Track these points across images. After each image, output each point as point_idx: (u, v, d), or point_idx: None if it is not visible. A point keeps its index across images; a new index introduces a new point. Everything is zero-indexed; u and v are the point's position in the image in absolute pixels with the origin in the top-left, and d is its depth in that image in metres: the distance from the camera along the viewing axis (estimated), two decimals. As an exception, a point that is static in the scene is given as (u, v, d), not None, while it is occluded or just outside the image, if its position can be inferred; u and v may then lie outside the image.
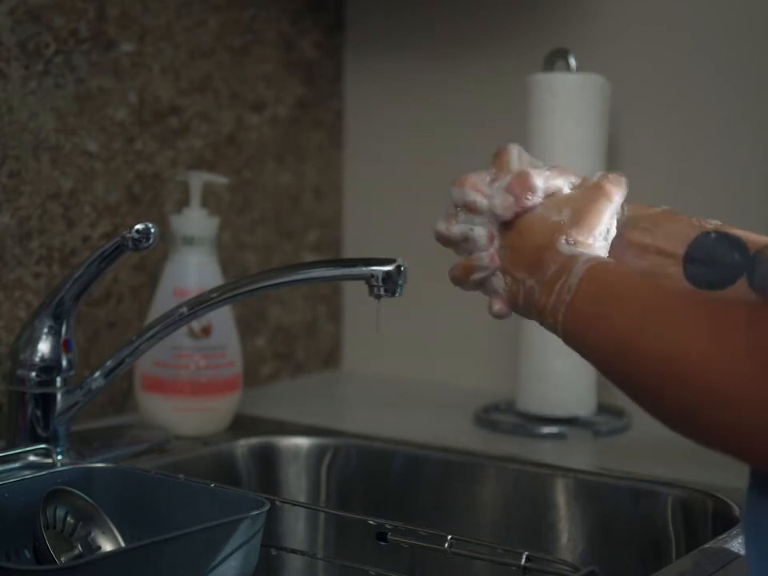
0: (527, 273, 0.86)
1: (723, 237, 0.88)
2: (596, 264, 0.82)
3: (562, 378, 1.33)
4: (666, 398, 0.72)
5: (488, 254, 0.89)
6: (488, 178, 0.90)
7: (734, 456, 0.71)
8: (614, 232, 0.89)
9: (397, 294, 1.01)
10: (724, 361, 0.67)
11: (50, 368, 1.09)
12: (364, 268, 1.00)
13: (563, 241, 0.85)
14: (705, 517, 1.07)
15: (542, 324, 0.86)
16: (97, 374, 1.10)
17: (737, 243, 0.86)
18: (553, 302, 0.83)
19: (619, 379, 0.77)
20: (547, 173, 0.89)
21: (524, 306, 0.88)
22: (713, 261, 0.88)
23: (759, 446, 0.67)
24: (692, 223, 0.91)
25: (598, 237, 0.87)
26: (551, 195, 0.89)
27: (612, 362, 0.77)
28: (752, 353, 0.66)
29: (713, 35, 1.37)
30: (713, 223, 0.91)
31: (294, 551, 1.10)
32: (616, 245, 0.91)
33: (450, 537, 0.91)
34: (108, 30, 1.30)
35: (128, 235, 1.04)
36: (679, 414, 0.72)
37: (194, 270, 1.25)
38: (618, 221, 0.90)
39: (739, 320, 0.68)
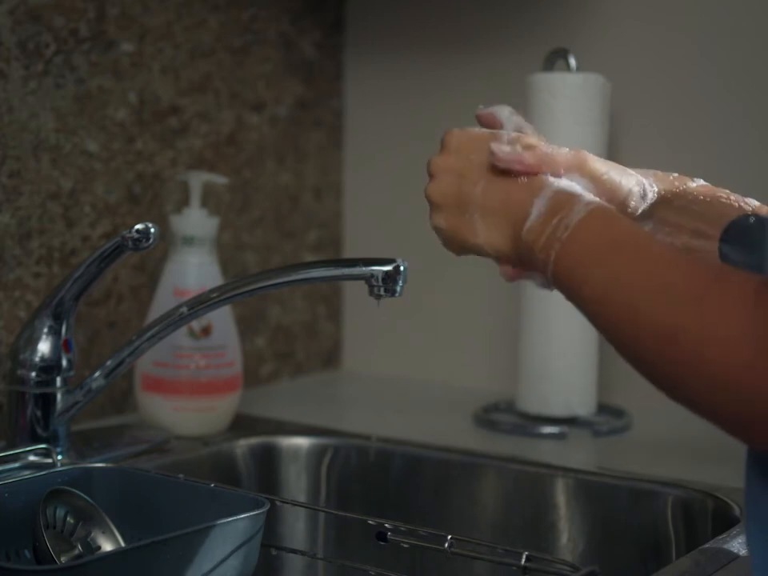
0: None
1: (763, 221, 0.86)
2: (597, 208, 0.79)
3: (561, 378, 1.33)
4: (660, 371, 0.70)
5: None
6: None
7: (733, 434, 0.70)
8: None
9: (397, 294, 1.01)
10: (725, 338, 0.66)
11: (50, 368, 1.09)
12: (364, 268, 1.00)
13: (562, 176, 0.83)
14: (705, 517, 1.07)
15: (534, 262, 0.81)
16: (97, 373, 1.10)
17: None
18: (547, 235, 0.79)
19: (611, 336, 0.75)
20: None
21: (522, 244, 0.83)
22: (750, 244, 0.86)
23: (759, 426, 0.66)
24: (731, 202, 0.88)
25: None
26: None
27: (606, 320, 0.75)
28: (755, 330, 0.65)
29: (713, 35, 1.37)
30: (752, 204, 0.89)
31: (294, 551, 1.10)
32: (647, 223, 0.89)
33: (450, 537, 0.91)
34: (108, 29, 1.30)
35: (128, 235, 1.04)
36: (675, 390, 0.70)
37: (193, 270, 1.25)
38: (649, 199, 0.88)
39: (747, 296, 0.67)
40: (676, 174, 0.92)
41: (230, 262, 1.44)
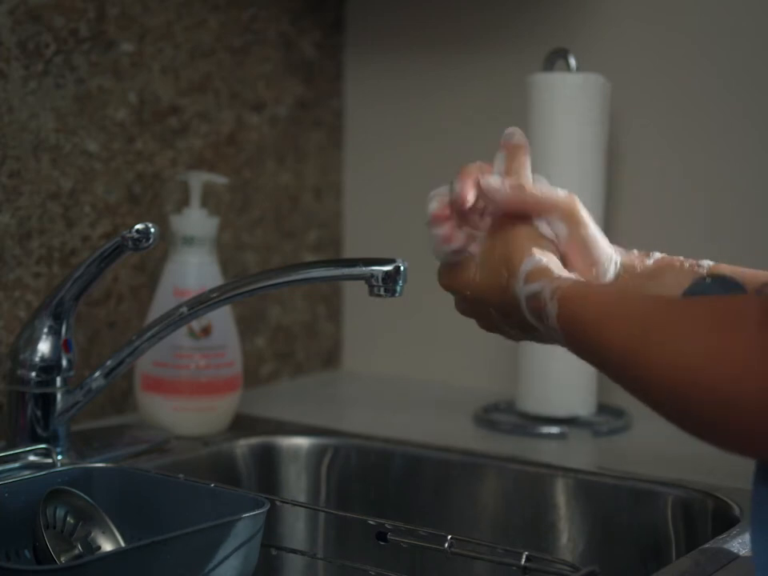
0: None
1: (719, 280, 0.87)
2: (567, 289, 0.81)
3: (561, 378, 1.33)
4: (678, 407, 0.71)
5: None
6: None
7: (755, 458, 0.70)
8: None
9: (397, 294, 1.01)
10: (733, 362, 0.66)
11: (50, 368, 1.09)
12: (364, 268, 1.00)
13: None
14: (705, 517, 1.07)
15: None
16: (97, 373, 1.10)
17: (733, 286, 0.85)
18: (543, 327, 0.83)
19: (632, 389, 0.76)
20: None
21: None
22: None
23: None
24: (686, 269, 0.90)
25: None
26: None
27: (622, 376, 0.76)
28: (765, 351, 0.65)
29: (713, 35, 1.37)
30: (705, 264, 0.90)
31: (294, 551, 1.10)
32: None
33: (450, 537, 0.91)
34: (108, 29, 1.30)
35: (128, 235, 1.04)
36: (695, 421, 0.71)
37: (193, 270, 1.25)
38: (614, 271, 0.89)
39: (749, 319, 0.67)
40: (636, 252, 0.92)
41: (230, 262, 1.44)
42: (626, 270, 0.91)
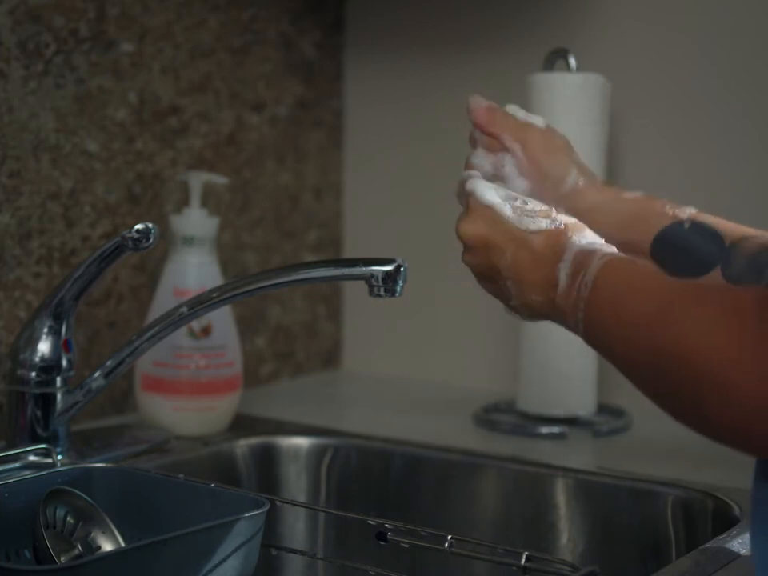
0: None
1: (697, 226, 0.87)
2: (612, 259, 0.81)
3: (561, 378, 1.33)
4: (684, 400, 0.71)
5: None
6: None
7: (755, 454, 0.70)
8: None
9: (397, 294, 1.01)
10: (737, 358, 0.67)
11: (50, 368, 1.09)
12: (364, 268, 1.00)
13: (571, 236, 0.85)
14: (705, 517, 1.07)
15: (564, 324, 0.85)
16: (97, 373, 1.10)
17: (712, 234, 0.85)
18: (574, 298, 0.82)
19: (639, 379, 0.76)
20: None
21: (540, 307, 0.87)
22: (685, 250, 0.87)
23: None
24: (664, 212, 0.91)
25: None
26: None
27: (632, 361, 0.76)
28: (762, 348, 0.65)
29: (712, 35, 1.37)
30: (688, 211, 0.90)
31: (294, 551, 1.10)
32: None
33: (450, 537, 0.91)
34: (108, 29, 1.30)
35: (128, 235, 1.04)
36: (697, 416, 0.71)
37: (193, 270, 1.25)
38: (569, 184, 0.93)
39: (748, 316, 0.67)
40: (613, 188, 0.96)
41: (230, 262, 1.44)
42: (601, 212, 0.92)
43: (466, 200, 0.91)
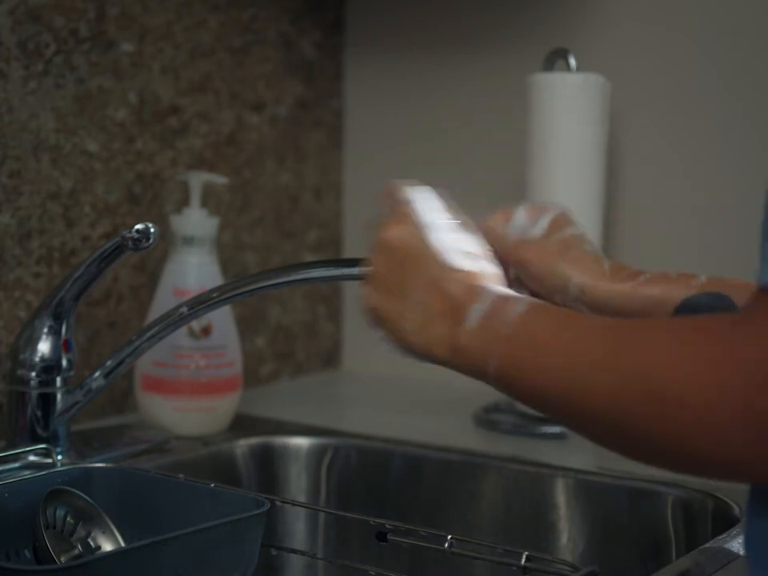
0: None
1: (718, 297, 0.87)
2: (540, 305, 0.79)
3: (562, 378, 1.33)
4: (648, 417, 0.68)
5: None
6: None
7: (727, 478, 0.70)
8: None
9: (397, 294, 1.00)
10: (699, 375, 0.65)
11: (50, 368, 1.09)
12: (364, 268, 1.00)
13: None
14: (705, 517, 1.07)
15: (460, 364, 0.82)
16: (97, 373, 1.10)
17: (725, 301, 0.85)
18: (488, 338, 0.78)
19: (574, 419, 0.74)
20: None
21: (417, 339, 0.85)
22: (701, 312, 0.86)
23: (759, 469, 0.65)
24: (680, 283, 0.92)
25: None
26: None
27: (566, 403, 0.73)
28: (730, 365, 0.64)
29: (713, 35, 1.37)
30: (701, 279, 0.91)
31: (294, 551, 1.10)
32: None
33: (450, 537, 0.91)
34: (108, 29, 1.30)
35: (128, 235, 1.04)
36: (660, 448, 0.69)
37: (193, 270, 1.25)
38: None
39: (713, 333, 0.66)
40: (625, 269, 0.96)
41: (230, 262, 1.44)
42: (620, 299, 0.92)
43: (403, 207, 0.88)
